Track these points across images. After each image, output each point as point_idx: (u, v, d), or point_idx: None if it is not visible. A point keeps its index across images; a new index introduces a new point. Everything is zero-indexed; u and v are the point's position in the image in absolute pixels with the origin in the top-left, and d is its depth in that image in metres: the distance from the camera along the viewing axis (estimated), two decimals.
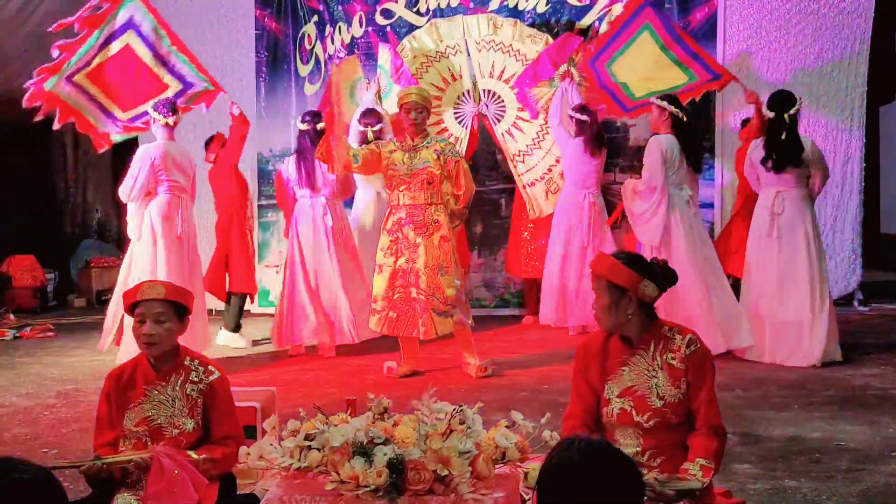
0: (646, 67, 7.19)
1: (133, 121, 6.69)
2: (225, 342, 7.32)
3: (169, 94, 6.68)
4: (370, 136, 6.91)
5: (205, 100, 6.86)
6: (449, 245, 5.86)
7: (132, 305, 3.09)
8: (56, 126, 6.63)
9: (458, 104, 7.97)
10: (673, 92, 6.73)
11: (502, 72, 7.82)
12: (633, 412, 2.86)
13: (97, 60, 6.55)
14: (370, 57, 8.45)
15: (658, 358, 2.89)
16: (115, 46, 6.61)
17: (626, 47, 7.27)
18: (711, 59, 7.36)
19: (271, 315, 7.56)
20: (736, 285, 6.50)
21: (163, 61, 6.72)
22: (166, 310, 3.07)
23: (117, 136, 6.74)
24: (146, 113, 6.54)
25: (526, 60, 7.76)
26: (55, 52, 6.41)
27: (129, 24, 6.62)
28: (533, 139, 7.83)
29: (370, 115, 7.16)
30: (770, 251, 6.08)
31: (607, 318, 2.90)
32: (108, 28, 6.55)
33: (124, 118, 6.69)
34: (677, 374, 2.85)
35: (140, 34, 6.66)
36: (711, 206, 8.08)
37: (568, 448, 1.83)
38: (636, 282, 2.85)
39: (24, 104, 6.39)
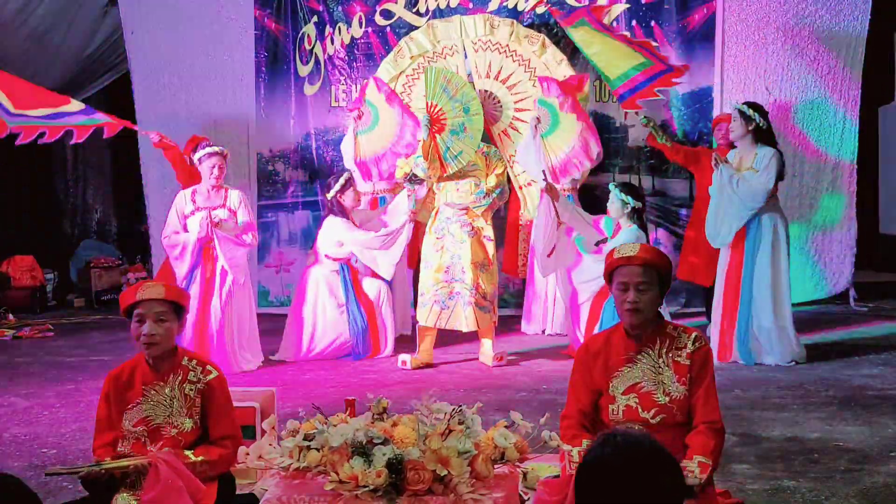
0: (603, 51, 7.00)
1: (19, 118, 6.82)
2: None
3: (71, 108, 6.86)
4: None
5: (110, 128, 7.08)
6: (492, 244, 6.24)
7: (130, 306, 3.09)
8: None
9: None
10: (633, 76, 6.68)
11: (499, 72, 7.80)
12: (639, 408, 2.89)
13: None
14: (370, 58, 8.47)
15: (665, 355, 2.93)
16: None
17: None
18: (654, 50, 7.10)
19: (272, 315, 7.56)
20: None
21: None
22: (166, 309, 3.07)
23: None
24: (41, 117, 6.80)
25: (522, 61, 7.75)
26: None
27: None
28: None
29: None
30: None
31: (650, 311, 2.93)
32: None
33: (14, 113, 6.81)
34: (683, 370, 2.91)
35: None
36: None
37: (605, 444, 1.74)
38: (670, 276, 2.96)
39: None
